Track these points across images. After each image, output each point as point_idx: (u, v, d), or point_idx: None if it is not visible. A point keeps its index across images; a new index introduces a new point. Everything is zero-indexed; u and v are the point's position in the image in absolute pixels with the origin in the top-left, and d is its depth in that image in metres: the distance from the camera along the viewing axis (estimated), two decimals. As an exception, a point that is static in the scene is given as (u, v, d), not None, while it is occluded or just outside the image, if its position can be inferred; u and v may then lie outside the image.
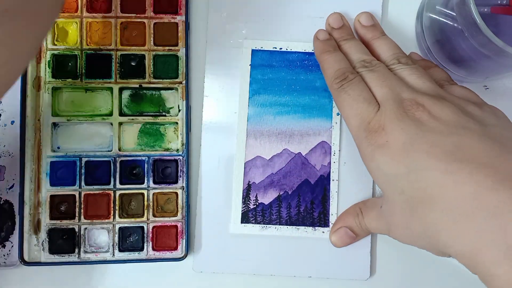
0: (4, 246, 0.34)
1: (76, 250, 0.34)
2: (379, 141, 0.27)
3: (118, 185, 0.34)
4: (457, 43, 0.31)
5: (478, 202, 0.23)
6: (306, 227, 0.35)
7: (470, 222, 0.24)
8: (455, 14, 0.30)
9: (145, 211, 0.34)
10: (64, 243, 0.34)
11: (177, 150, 0.35)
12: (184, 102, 0.35)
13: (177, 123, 0.35)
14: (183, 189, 0.35)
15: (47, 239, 0.34)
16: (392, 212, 0.29)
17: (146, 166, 0.35)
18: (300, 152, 0.35)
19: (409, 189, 0.26)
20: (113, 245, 0.34)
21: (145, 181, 0.34)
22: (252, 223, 0.35)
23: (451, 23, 0.30)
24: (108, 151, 0.35)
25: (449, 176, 0.25)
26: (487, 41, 0.27)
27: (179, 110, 0.35)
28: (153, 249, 0.34)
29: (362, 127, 0.29)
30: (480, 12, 0.27)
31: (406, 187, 0.26)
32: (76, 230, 0.34)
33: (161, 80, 0.35)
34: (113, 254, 0.34)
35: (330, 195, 0.35)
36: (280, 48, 0.36)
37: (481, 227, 0.23)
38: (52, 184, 0.34)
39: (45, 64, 0.34)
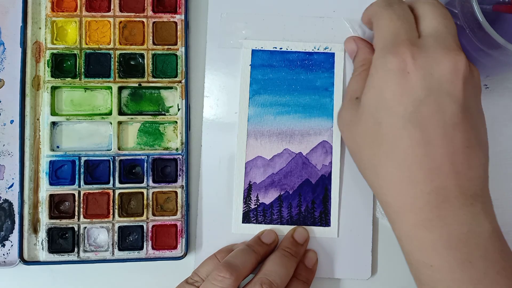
0: (3, 245, 0.34)
1: (76, 249, 0.34)
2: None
3: (117, 184, 0.34)
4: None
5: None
6: (307, 227, 0.35)
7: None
8: (457, 11, 0.29)
9: (145, 210, 0.34)
10: (64, 242, 0.34)
11: (177, 149, 0.35)
12: (184, 101, 0.35)
13: (176, 122, 0.35)
14: (183, 188, 0.34)
15: (46, 238, 0.34)
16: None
17: (145, 165, 0.34)
18: (301, 152, 0.35)
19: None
20: (112, 244, 0.34)
21: (145, 180, 0.34)
22: (254, 223, 0.35)
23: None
24: (108, 150, 0.35)
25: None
26: (489, 38, 0.27)
27: (179, 109, 0.35)
28: (153, 248, 0.34)
29: (392, 43, 0.28)
30: (482, 9, 0.27)
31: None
32: (76, 229, 0.34)
33: (160, 79, 0.35)
34: (113, 253, 0.34)
35: (331, 195, 0.35)
36: (280, 48, 0.36)
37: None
38: (52, 183, 0.34)
39: (44, 63, 0.34)
